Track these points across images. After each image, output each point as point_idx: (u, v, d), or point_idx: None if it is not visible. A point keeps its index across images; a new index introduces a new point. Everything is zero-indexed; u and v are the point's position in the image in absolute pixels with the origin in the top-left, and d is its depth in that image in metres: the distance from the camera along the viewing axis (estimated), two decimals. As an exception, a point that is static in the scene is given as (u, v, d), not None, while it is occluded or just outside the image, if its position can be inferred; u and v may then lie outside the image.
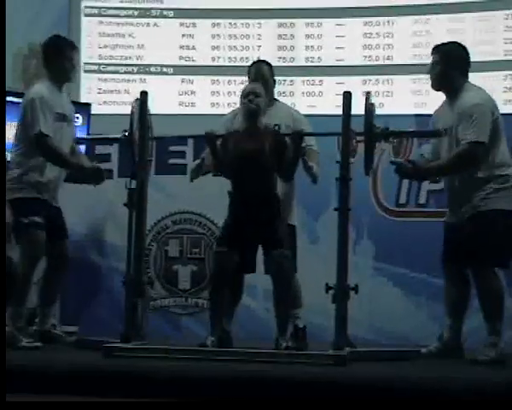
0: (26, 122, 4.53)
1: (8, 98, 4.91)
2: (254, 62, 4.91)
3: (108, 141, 5.16)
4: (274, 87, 4.78)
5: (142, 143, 4.31)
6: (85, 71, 6.17)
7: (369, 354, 4.18)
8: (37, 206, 4.55)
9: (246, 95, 4.34)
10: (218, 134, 4.36)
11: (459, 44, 4.47)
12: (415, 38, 5.96)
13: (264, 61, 4.92)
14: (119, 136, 4.38)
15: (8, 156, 4.65)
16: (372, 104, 4.12)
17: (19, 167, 4.54)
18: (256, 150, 4.20)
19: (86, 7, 6.23)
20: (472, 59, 4.42)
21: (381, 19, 6.03)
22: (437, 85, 4.41)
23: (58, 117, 4.60)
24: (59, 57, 4.64)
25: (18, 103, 4.75)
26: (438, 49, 4.43)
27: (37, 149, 4.51)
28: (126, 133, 4.28)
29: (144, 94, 4.35)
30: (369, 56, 5.99)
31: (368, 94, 4.15)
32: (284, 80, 6.07)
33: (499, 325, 4.20)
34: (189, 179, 4.60)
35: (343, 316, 4.00)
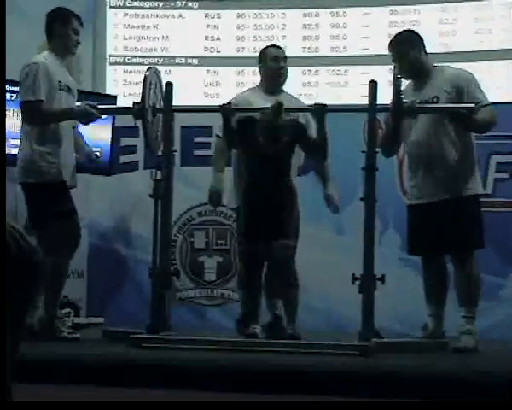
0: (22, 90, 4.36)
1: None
2: (273, 46, 4.81)
3: (119, 112, 5.02)
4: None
5: (167, 135, 4.30)
6: (111, 63, 6.19)
7: (396, 344, 4.17)
8: (67, 190, 4.42)
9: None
10: (234, 108, 4.33)
11: (413, 31, 4.59)
12: (441, 27, 5.91)
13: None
14: (130, 105, 4.31)
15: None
16: (399, 78, 4.10)
17: (39, 147, 4.33)
18: (276, 138, 4.19)
19: (112, -1, 6.25)
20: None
21: (406, 8, 5.99)
22: (411, 73, 4.39)
23: (61, 87, 4.41)
24: (64, 28, 4.44)
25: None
26: (399, 41, 4.43)
27: (23, 116, 4.37)
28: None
29: (169, 85, 4.35)
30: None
31: (395, 68, 4.14)
32: (309, 70, 6.05)
33: (475, 313, 4.21)
34: (214, 170, 4.54)
35: (369, 306, 3.99)
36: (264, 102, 4.34)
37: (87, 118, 4.40)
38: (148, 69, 4.40)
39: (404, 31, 4.68)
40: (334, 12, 6.10)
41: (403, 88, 4.24)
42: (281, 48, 4.75)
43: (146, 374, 3.35)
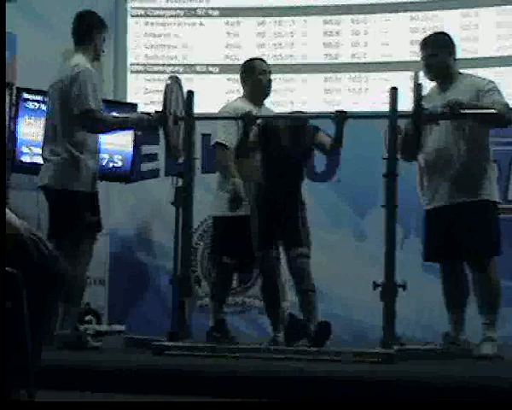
0: (72, 96, 4.29)
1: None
2: (259, 59, 4.88)
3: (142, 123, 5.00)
4: None
5: (188, 142, 4.31)
6: (132, 71, 6.21)
7: (418, 352, 4.14)
8: (96, 201, 4.45)
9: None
10: (257, 115, 4.38)
11: (446, 33, 4.57)
12: (463, 32, 5.88)
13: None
14: (151, 111, 4.34)
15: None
16: (420, 84, 4.09)
17: (76, 152, 4.31)
18: (292, 145, 4.25)
19: (133, 8, 6.27)
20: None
21: (427, 13, 5.96)
22: (435, 75, 4.43)
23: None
24: (99, 34, 4.49)
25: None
26: (429, 41, 4.48)
27: (85, 125, 4.31)
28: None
29: (190, 93, 4.37)
30: (416, 51, 5.92)
31: (416, 73, 4.13)
32: (330, 77, 6.04)
33: (496, 319, 4.19)
34: (235, 157, 4.51)
35: (391, 314, 3.96)
36: (257, 112, 4.49)
37: (143, 126, 4.43)
38: (169, 77, 4.41)
39: (439, 32, 4.71)
40: (354, 19, 6.09)
41: (427, 90, 4.25)
42: (265, 61, 4.84)
43: (167, 381, 3.35)
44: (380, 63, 6.01)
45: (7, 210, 2.82)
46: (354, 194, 5.26)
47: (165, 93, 4.24)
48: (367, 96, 5.98)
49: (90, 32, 4.47)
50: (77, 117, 4.29)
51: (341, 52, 6.11)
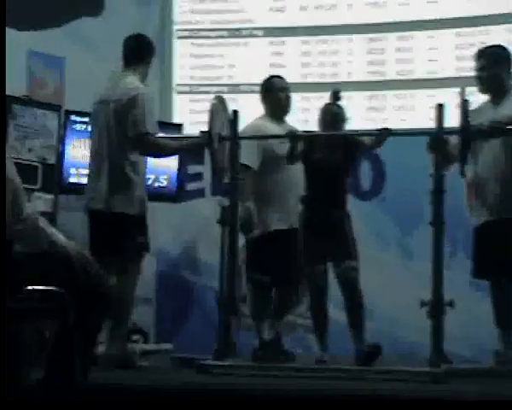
0: (130, 119, 4.28)
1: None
2: (277, 76, 4.93)
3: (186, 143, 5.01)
4: None
5: (233, 163, 4.32)
6: (177, 92, 6.27)
7: (466, 371, 4.08)
8: (145, 222, 4.44)
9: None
10: (301, 134, 4.43)
11: (503, 47, 4.50)
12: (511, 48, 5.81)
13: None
14: (197, 134, 4.37)
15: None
16: (467, 100, 4.05)
17: (126, 174, 4.31)
18: (336, 157, 4.26)
19: (178, 29, 6.34)
20: None
21: (473, 29, 5.92)
22: (487, 88, 4.39)
23: None
24: (150, 57, 4.54)
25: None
26: (485, 53, 4.43)
27: (140, 148, 4.31)
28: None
29: (235, 113, 4.38)
30: (462, 67, 5.88)
31: (462, 89, 4.09)
32: (375, 95, 6.03)
33: None
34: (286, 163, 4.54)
35: (438, 332, 3.91)
36: (279, 130, 4.59)
37: (200, 149, 4.47)
38: (214, 97, 4.44)
39: (494, 45, 4.65)
40: (400, 36, 6.07)
41: (479, 104, 4.21)
42: (284, 79, 4.90)
43: (212, 400, 3.34)
44: (426, 80, 5.98)
45: (55, 231, 2.86)
46: (400, 211, 5.21)
47: (211, 113, 4.27)
48: (413, 113, 5.94)
49: (142, 53, 4.50)
50: (132, 140, 4.28)
51: (386, 70, 6.09)
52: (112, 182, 4.30)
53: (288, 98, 4.80)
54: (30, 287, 2.70)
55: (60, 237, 2.82)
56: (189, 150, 4.61)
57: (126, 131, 4.28)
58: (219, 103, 4.38)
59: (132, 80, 4.39)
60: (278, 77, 4.91)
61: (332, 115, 4.43)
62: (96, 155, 4.40)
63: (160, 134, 4.54)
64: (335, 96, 4.50)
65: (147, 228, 4.41)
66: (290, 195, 4.59)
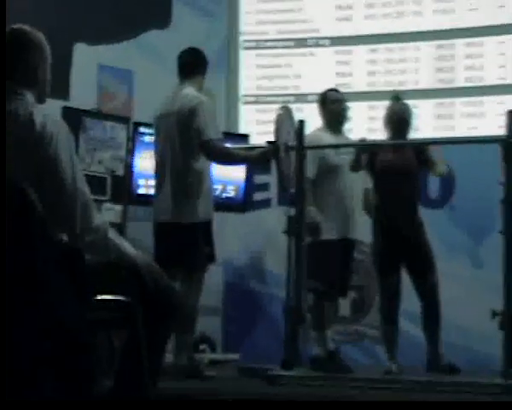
0: (193, 127, 4.31)
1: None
2: (333, 89, 5.03)
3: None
4: None
5: (299, 173, 4.32)
6: (244, 103, 6.30)
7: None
8: (210, 232, 4.45)
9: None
10: (370, 143, 4.51)
11: None
12: None
13: None
14: (263, 144, 4.43)
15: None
16: None
17: (192, 184, 4.33)
18: (407, 165, 4.27)
19: (245, 40, 6.38)
20: None
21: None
22: None
23: None
24: (203, 68, 4.57)
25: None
26: None
27: (207, 154, 4.33)
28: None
29: (301, 123, 4.38)
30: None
31: None
32: (443, 103, 5.95)
33: None
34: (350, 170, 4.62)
35: (511, 343, 3.83)
36: (336, 140, 4.76)
37: (267, 160, 4.49)
38: (280, 108, 4.45)
39: None
40: (469, 42, 5.99)
41: None
42: (338, 91, 5.02)
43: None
44: (495, 86, 5.87)
45: (124, 241, 2.90)
46: (470, 220, 5.13)
47: (277, 123, 4.28)
48: (483, 120, 5.85)
49: (196, 66, 4.54)
50: (199, 147, 4.31)
51: (455, 76, 6.01)
52: (176, 193, 4.32)
53: (342, 110, 4.90)
54: (100, 297, 2.74)
55: (128, 248, 2.84)
56: (255, 160, 4.62)
57: (189, 141, 4.31)
58: (285, 113, 4.39)
59: (190, 91, 4.43)
60: (333, 90, 5.02)
61: (398, 114, 4.46)
62: (160, 167, 4.44)
63: (227, 144, 4.58)
64: (396, 99, 4.55)
65: (212, 238, 4.43)
66: (344, 205, 4.67)
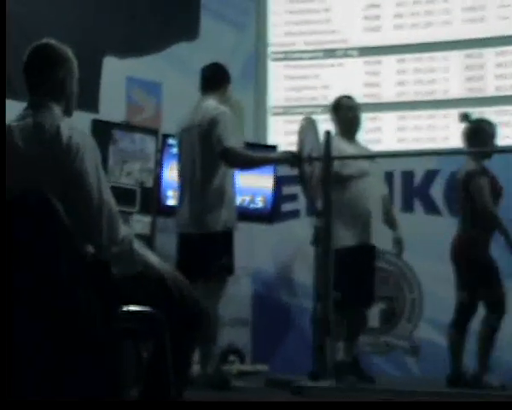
0: (214, 137, 4.32)
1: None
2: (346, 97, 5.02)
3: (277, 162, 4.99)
4: None
5: (326, 182, 4.31)
6: (272, 114, 6.31)
7: None
8: (231, 243, 4.43)
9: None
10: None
11: None
12: None
13: None
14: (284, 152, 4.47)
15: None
16: None
17: (216, 195, 4.34)
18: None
19: (273, 52, 6.39)
20: None
21: None
22: None
23: None
24: (225, 82, 4.57)
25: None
26: None
27: (228, 161, 4.34)
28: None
29: (327, 134, 4.38)
30: None
31: None
32: (473, 112, 5.90)
33: None
34: None
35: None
36: (353, 149, 4.78)
37: (287, 162, 4.49)
38: (303, 119, 4.46)
39: None
40: (499, 51, 5.95)
41: None
42: (353, 98, 4.99)
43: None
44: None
45: (149, 252, 2.91)
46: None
47: (300, 134, 4.29)
48: (513, 129, 5.80)
49: (217, 81, 4.55)
50: (219, 155, 4.32)
51: (485, 85, 5.97)
52: (196, 204, 4.34)
53: (356, 117, 4.89)
54: (126, 308, 2.75)
55: (154, 259, 2.86)
56: (276, 161, 4.74)
57: (211, 152, 4.33)
58: (308, 124, 4.40)
59: (211, 103, 4.46)
60: (346, 97, 4.99)
61: (484, 132, 4.46)
62: (182, 180, 4.47)
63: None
64: (464, 117, 4.61)
65: (233, 249, 4.39)
66: (358, 212, 4.65)
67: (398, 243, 4.83)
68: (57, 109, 2.73)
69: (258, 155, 4.56)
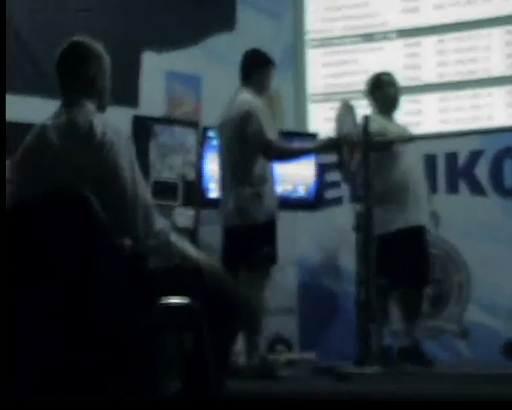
0: (248, 132, 4.33)
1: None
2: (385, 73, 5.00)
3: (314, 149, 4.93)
4: None
5: (366, 168, 4.29)
6: (312, 101, 6.29)
7: None
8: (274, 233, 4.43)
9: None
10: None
11: None
12: None
13: None
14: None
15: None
16: None
17: (256, 187, 4.34)
18: None
19: (311, 39, 6.36)
20: None
21: None
22: None
23: None
24: (263, 69, 4.54)
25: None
26: None
27: (267, 155, 4.35)
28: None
29: (366, 118, 4.35)
30: None
31: None
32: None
33: None
34: None
35: None
36: (395, 128, 4.77)
37: (327, 150, 4.50)
38: (341, 104, 4.43)
39: None
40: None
41: None
42: (391, 74, 4.97)
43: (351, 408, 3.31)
44: None
45: (188, 245, 2.92)
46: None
47: (338, 119, 4.27)
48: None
49: (254, 68, 4.53)
50: (258, 150, 4.33)
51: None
52: (237, 197, 4.34)
53: (397, 93, 4.86)
54: (165, 300, 2.77)
55: (192, 251, 2.88)
56: (316, 150, 4.76)
57: (247, 146, 4.32)
58: (345, 109, 4.37)
59: (245, 97, 4.44)
60: (386, 74, 4.96)
61: None
62: (224, 172, 4.49)
63: (295, 144, 4.61)
64: None
65: (275, 239, 4.38)
66: (407, 193, 4.62)
67: (435, 216, 4.77)
68: (90, 106, 2.76)
69: (296, 146, 4.56)
